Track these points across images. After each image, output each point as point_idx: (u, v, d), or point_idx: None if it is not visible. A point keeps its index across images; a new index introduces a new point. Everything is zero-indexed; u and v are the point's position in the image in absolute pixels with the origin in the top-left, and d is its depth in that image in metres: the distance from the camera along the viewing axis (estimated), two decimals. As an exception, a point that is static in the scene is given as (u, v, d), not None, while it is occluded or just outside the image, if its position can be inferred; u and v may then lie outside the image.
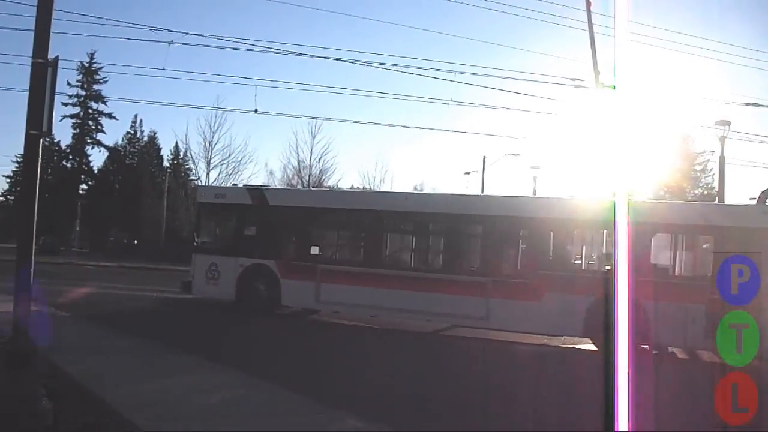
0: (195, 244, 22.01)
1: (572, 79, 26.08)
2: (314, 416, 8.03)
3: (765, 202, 16.68)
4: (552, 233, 17.74)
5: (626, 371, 3.78)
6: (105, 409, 7.38)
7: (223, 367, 10.71)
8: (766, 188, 17.77)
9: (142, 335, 13.80)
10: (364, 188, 65.07)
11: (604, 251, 17.33)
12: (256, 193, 21.61)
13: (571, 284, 16.53)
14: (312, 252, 20.25)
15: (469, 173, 54.13)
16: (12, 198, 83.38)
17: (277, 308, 19.61)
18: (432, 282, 18.24)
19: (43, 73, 6.80)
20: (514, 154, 46.88)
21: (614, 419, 4.09)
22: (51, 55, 6.88)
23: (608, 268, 12.25)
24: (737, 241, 14.80)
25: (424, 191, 55.22)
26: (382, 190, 55.16)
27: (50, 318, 14.23)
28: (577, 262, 17.82)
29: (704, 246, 16.37)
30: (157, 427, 6.60)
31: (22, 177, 6.79)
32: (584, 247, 18.13)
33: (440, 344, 16.88)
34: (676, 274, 16.38)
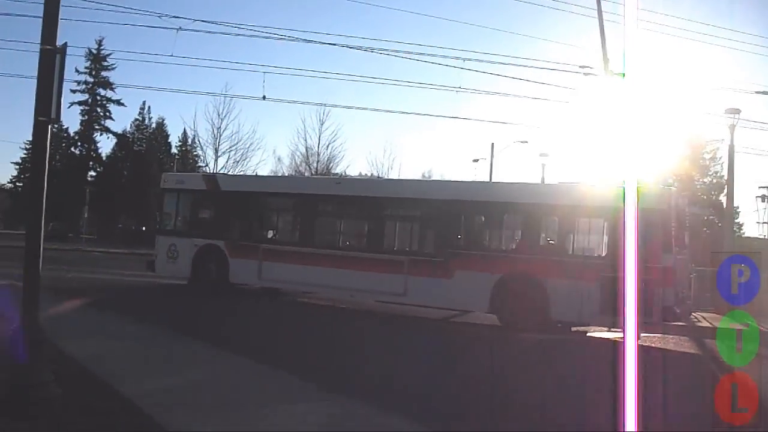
0: (157, 227, 23.84)
1: (581, 67, 25.98)
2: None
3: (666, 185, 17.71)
4: (462, 216, 19.19)
5: (633, 350, 3.78)
6: (111, 393, 7.41)
7: (230, 354, 10.74)
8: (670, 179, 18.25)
9: (150, 321, 13.85)
10: (372, 175, 65.15)
11: (508, 232, 19.25)
12: (210, 178, 24.73)
13: (478, 263, 17.84)
14: (255, 233, 22.07)
15: (477, 160, 54.07)
16: (20, 185, 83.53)
17: (225, 286, 20.98)
18: (357, 260, 19.59)
19: (51, 59, 6.80)
20: (523, 142, 46.84)
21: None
22: (59, 42, 6.88)
23: (513, 247, 15.64)
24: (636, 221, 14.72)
25: (411, 178, 55.57)
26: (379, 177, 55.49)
27: (57, 304, 14.32)
28: (484, 242, 19.02)
29: (600, 226, 17.31)
30: (164, 413, 6.61)
31: (30, 164, 6.79)
32: (491, 229, 19.39)
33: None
34: (572, 253, 17.24)
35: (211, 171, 62.22)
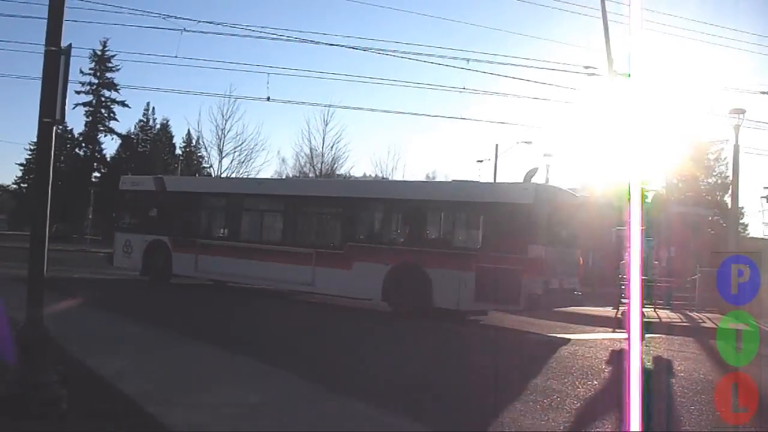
0: (115, 224, 26.58)
1: (585, 67, 25.99)
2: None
3: (529, 180, 19.45)
4: (358, 211, 21.22)
5: (638, 342, 3.78)
6: (116, 395, 7.41)
7: (236, 355, 10.76)
8: (531, 168, 21.26)
9: (154, 322, 13.87)
10: (376, 176, 65.21)
11: (398, 226, 20.82)
12: (158, 180, 26.53)
13: (373, 255, 19.66)
14: (192, 229, 24.08)
15: (481, 161, 54.14)
16: (25, 186, 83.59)
17: (169, 278, 23.64)
18: (274, 253, 21.60)
19: (55, 60, 6.81)
20: (527, 142, 46.90)
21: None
22: (64, 43, 6.89)
23: (402, 240, 18.01)
24: (503, 215, 17.98)
25: (399, 179, 56.21)
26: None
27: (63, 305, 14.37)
28: (378, 236, 20.78)
29: (477, 221, 18.93)
30: (166, 413, 6.63)
31: (35, 165, 6.84)
32: (384, 223, 21.21)
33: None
34: (454, 245, 18.95)
35: (216, 172, 62.36)
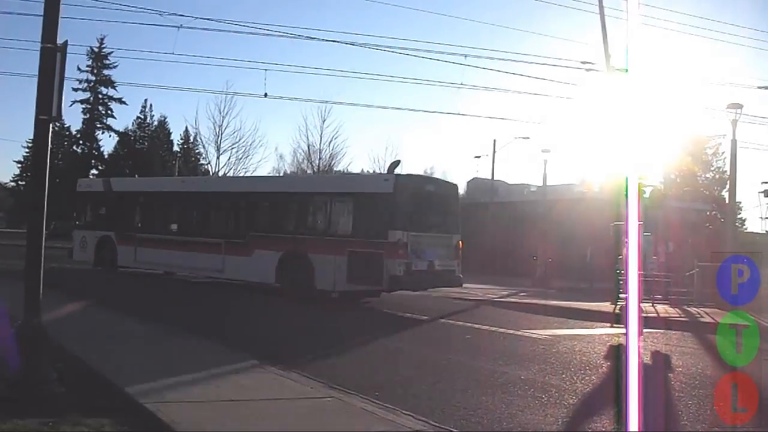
0: (75, 223, 29.58)
1: (583, 63, 26.01)
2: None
3: (392, 172, 21.19)
4: (255, 204, 23.57)
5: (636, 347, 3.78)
6: (116, 391, 7.41)
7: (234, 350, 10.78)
8: (394, 161, 24.20)
9: (154, 318, 13.86)
10: (373, 172, 65.13)
11: (287, 216, 22.39)
12: (106, 182, 30.36)
13: (267, 243, 21.58)
14: (131, 224, 26.58)
15: (479, 157, 54.15)
16: (23, 183, 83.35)
17: (116, 268, 26.20)
18: (192, 244, 23.83)
19: (52, 58, 6.81)
20: (525, 138, 46.80)
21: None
22: (60, 40, 6.88)
23: (291, 229, 20.27)
24: (368, 204, 19.82)
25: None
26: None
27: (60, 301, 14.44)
28: (271, 226, 22.31)
29: (350, 209, 20.55)
30: (164, 410, 6.62)
31: (32, 162, 6.77)
32: (276, 214, 22.78)
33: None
34: (330, 233, 20.48)
35: (214, 169, 62.30)
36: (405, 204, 19.65)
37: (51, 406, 6.40)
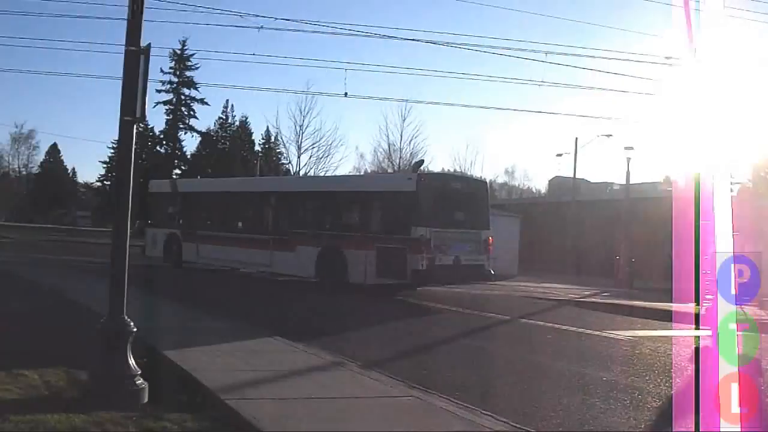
0: (147, 222, 30.34)
1: (666, 58, 25.36)
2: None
3: (416, 171, 23.39)
4: (299, 202, 25.33)
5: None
6: (198, 388, 7.52)
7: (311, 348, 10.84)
8: (418, 160, 26.70)
9: (226, 314, 14.10)
10: (454, 171, 65.06)
11: (325, 214, 23.75)
12: (173, 183, 33.31)
13: (309, 240, 22.93)
14: (194, 222, 28.18)
15: (561, 155, 53.50)
16: (108, 183, 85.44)
17: (181, 265, 27.69)
18: (245, 241, 25.44)
19: (135, 60, 6.93)
20: (607, 135, 45.86)
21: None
22: (143, 43, 7.01)
23: (328, 227, 22.51)
24: (393, 201, 21.41)
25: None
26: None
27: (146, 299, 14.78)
28: (312, 223, 23.77)
29: (379, 207, 22.25)
30: (245, 406, 6.69)
31: (116, 162, 6.91)
32: (315, 212, 24.34)
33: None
34: (361, 229, 21.88)
35: (294, 168, 63.00)
36: (427, 201, 20.73)
37: (134, 400, 6.53)
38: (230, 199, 28.15)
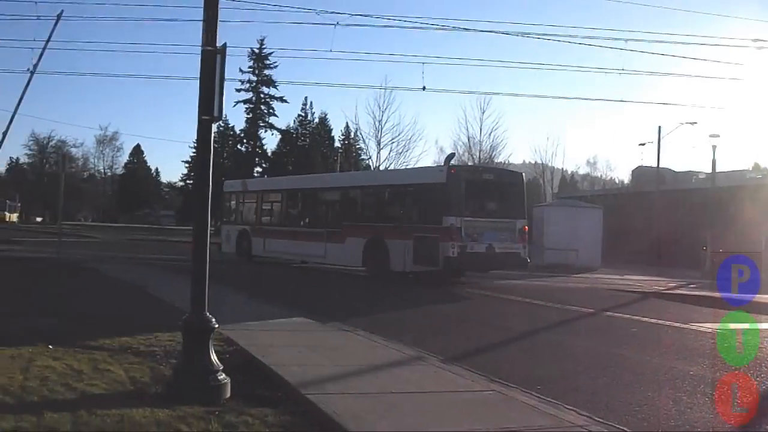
0: (222, 219, 33.75)
1: (754, 41, 24.65)
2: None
3: (448, 164, 24.51)
4: (348, 196, 27.25)
5: None
6: (278, 382, 7.58)
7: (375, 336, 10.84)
8: (449, 154, 30.16)
9: (308, 309, 14.20)
10: (536, 163, 64.42)
11: (370, 207, 26.09)
12: (243, 182, 35.41)
13: (357, 231, 24.85)
14: (261, 218, 31.34)
15: (643, 144, 52.45)
16: (190, 182, 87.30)
17: (251, 258, 30.56)
18: (302, 234, 28.06)
19: (212, 59, 7.02)
20: (691, 123, 44.71)
21: None
22: (219, 43, 7.09)
23: (373, 217, 25.09)
24: (426, 193, 23.27)
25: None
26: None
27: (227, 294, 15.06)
28: (359, 216, 25.75)
29: (414, 199, 24.22)
30: (325, 401, 6.71)
31: (195, 161, 6.97)
32: (362, 205, 26.50)
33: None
34: (400, 220, 23.91)
35: (374, 163, 63.25)
36: (458, 192, 22.46)
37: (216, 396, 6.62)
38: (290, 196, 30.74)
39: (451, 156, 27.38)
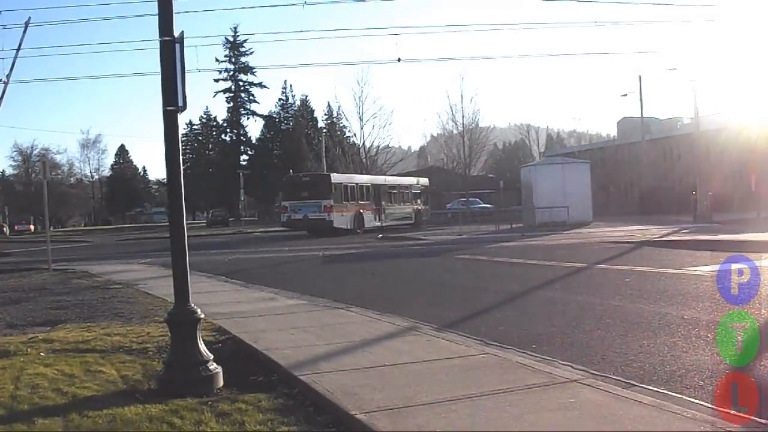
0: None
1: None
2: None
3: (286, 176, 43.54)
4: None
5: None
6: (272, 366, 7.56)
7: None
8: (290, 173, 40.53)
9: (302, 291, 14.20)
10: (520, 124, 64.65)
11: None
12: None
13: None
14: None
15: (625, 95, 52.54)
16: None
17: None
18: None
19: (171, 49, 6.93)
20: (671, 69, 44.77)
21: None
22: (192, 34, 7.01)
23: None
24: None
25: None
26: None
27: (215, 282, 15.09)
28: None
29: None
30: (318, 380, 6.71)
31: (166, 154, 6.90)
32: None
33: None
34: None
35: (358, 140, 64.20)
36: (288, 189, 45.71)
37: (209, 386, 6.60)
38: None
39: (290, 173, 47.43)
